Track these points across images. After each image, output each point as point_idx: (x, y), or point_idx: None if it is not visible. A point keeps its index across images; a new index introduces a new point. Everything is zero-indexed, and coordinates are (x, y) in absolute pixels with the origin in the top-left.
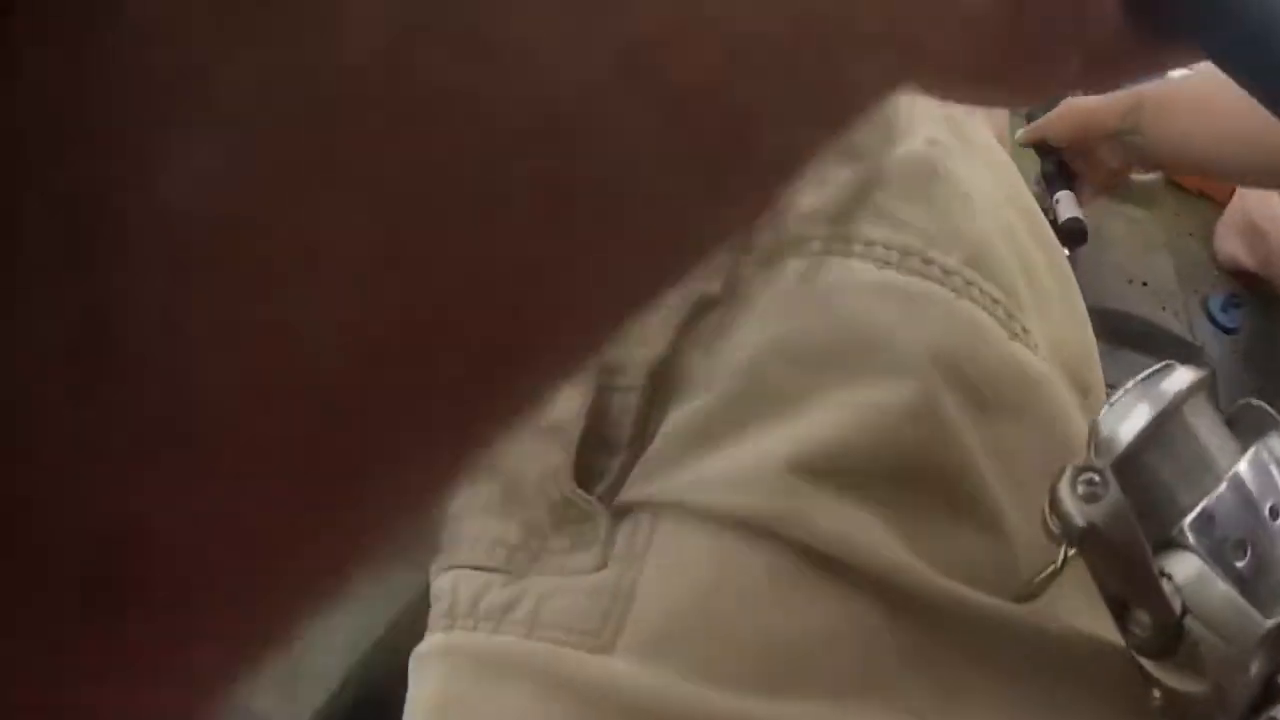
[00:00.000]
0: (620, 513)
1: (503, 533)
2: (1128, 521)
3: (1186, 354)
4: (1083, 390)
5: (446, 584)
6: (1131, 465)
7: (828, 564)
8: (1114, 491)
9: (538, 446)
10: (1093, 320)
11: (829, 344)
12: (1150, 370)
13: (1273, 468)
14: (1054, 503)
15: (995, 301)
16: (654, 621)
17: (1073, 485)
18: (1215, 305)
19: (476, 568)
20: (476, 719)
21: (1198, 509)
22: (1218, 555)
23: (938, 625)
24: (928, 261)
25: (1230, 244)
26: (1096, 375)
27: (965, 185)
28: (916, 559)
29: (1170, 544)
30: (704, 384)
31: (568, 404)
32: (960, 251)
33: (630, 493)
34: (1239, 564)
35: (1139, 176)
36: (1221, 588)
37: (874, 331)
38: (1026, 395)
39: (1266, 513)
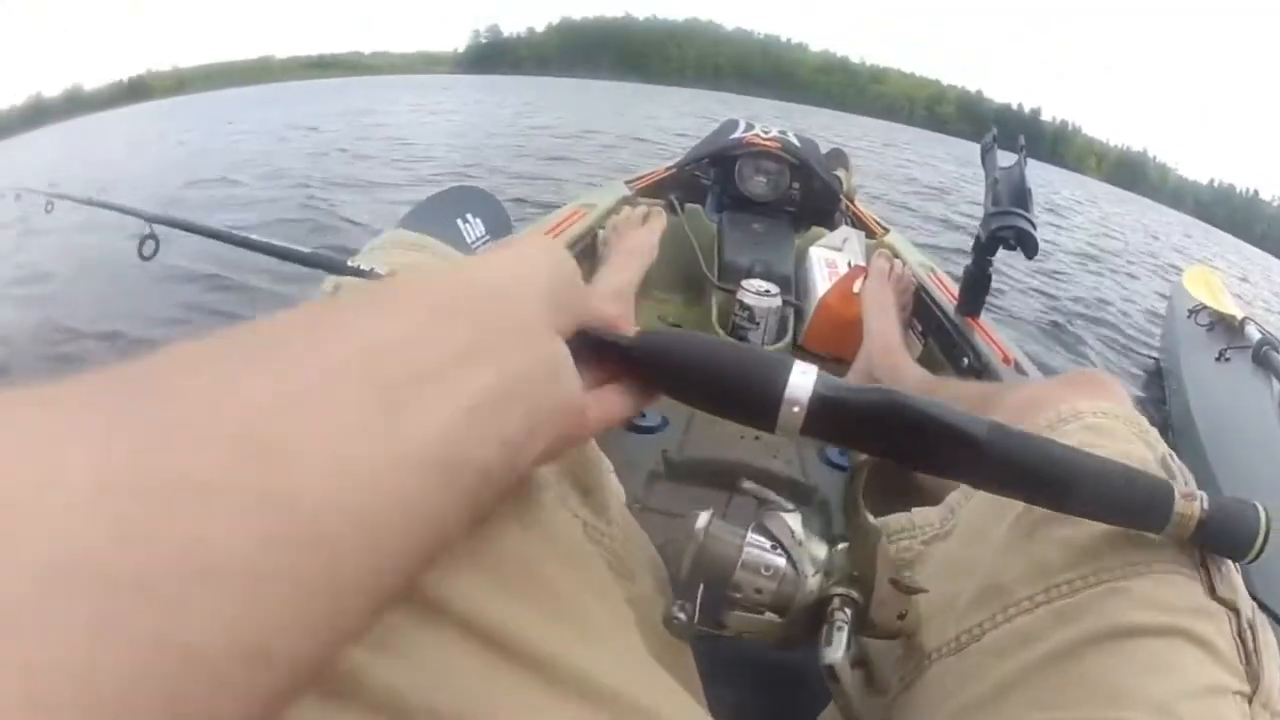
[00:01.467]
0: None
1: None
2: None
3: (801, 493)
4: (583, 490)
5: None
6: (699, 560)
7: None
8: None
9: None
10: (711, 472)
11: None
12: (688, 519)
13: (767, 529)
14: (668, 620)
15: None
16: None
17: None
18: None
19: None
20: None
21: (739, 561)
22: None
23: None
24: None
25: None
26: (594, 480)
27: None
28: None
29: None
30: None
31: None
32: None
33: None
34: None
35: (766, 348)
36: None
37: None
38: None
39: (770, 548)
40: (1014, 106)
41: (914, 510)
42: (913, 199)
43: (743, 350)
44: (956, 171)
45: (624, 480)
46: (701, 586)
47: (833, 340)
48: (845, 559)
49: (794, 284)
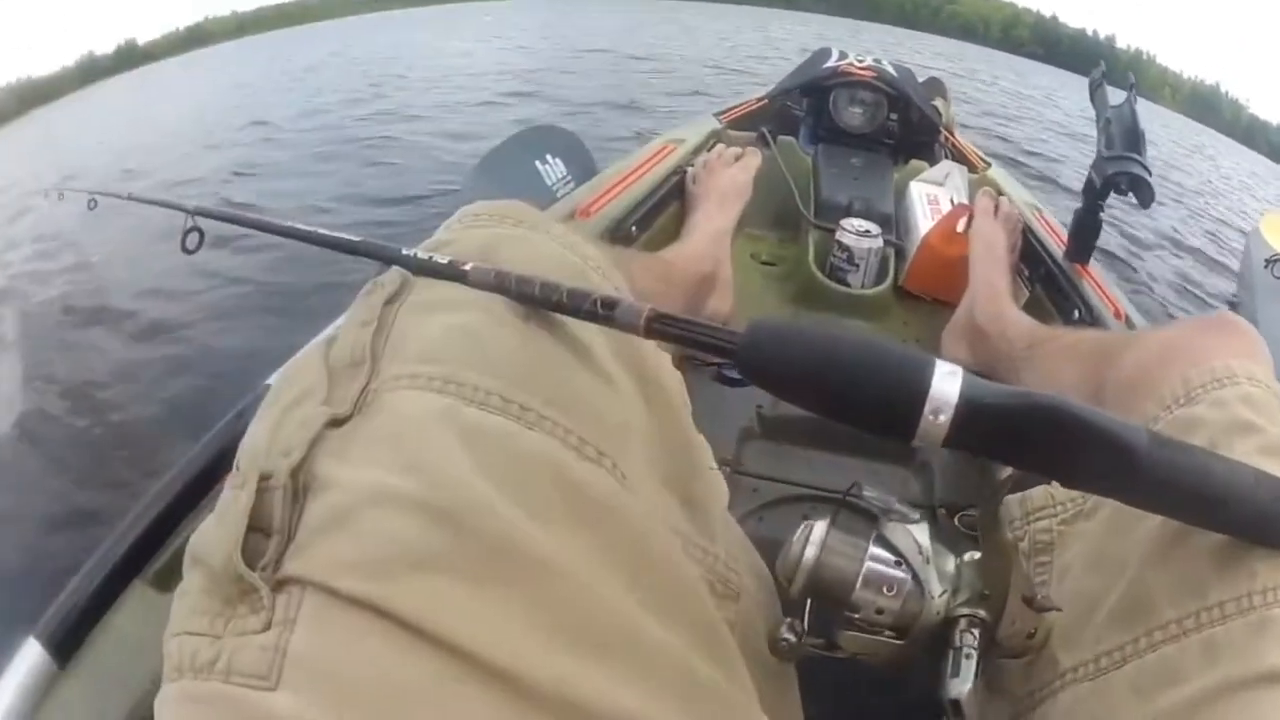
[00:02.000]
0: (280, 585)
1: (209, 604)
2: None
3: (901, 454)
4: (684, 500)
5: (174, 647)
6: (815, 578)
7: (419, 634)
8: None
9: (221, 536)
10: (809, 429)
11: (409, 454)
12: (799, 532)
13: (889, 541)
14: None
15: (568, 431)
16: (301, 671)
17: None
18: None
19: (191, 633)
20: None
21: (860, 578)
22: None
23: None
24: (507, 400)
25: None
26: (698, 488)
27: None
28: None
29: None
30: (329, 484)
31: (239, 503)
32: (543, 394)
33: (285, 569)
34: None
35: (867, 291)
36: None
37: (437, 449)
38: (586, 504)
39: (894, 564)
40: (1089, 33)
41: (1055, 484)
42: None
43: (874, 347)
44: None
45: (713, 437)
46: (810, 603)
47: (935, 282)
48: (975, 575)
49: (894, 222)
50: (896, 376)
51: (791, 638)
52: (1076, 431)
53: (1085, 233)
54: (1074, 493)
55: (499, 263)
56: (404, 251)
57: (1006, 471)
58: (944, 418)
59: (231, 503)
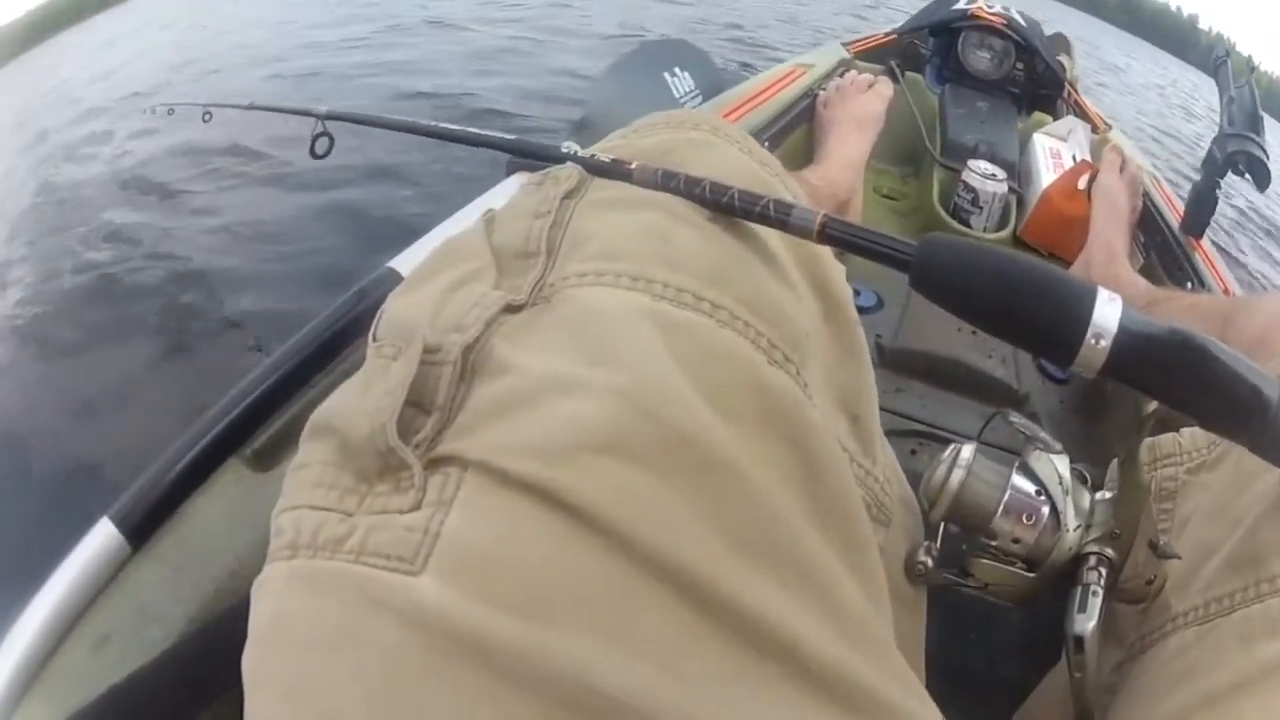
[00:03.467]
0: (434, 464)
1: (338, 479)
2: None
3: (1011, 400)
4: (852, 418)
5: (288, 522)
6: (958, 501)
7: (594, 526)
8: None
9: (369, 407)
10: (925, 366)
11: (601, 345)
12: (948, 454)
13: (1032, 470)
14: (910, 567)
15: (759, 334)
16: (453, 556)
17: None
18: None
19: (315, 508)
20: (308, 627)
21: (1002, 505)
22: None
23: (691, 599)
24: (699, 298)
25: None
26: (865, 405)
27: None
28: (690, 531)
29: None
30: (507, 368)
31: (395, 374)
32: (733, 292)
33: (442, 448)
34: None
35: (988, 234)
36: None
37: (631, 340)
38: (773, 409)
39: (1034, 494)
40: (1172, 9)
41: (1183, 431)
42: None
43: (1044, 268)
44: None
45: None
46: (946, 529)
47: (1053, 236)
48: (1107, 513)
49: (1016, 170)
50: (1064, 298)
51: (928, 561)
52: (1219, 371)
53: (1203, 206)
54: (1200, 442)
55: (681, 166)
56: (565, 148)
57: (1149, 409)
58: (1104, 343)
59: (382, 371)
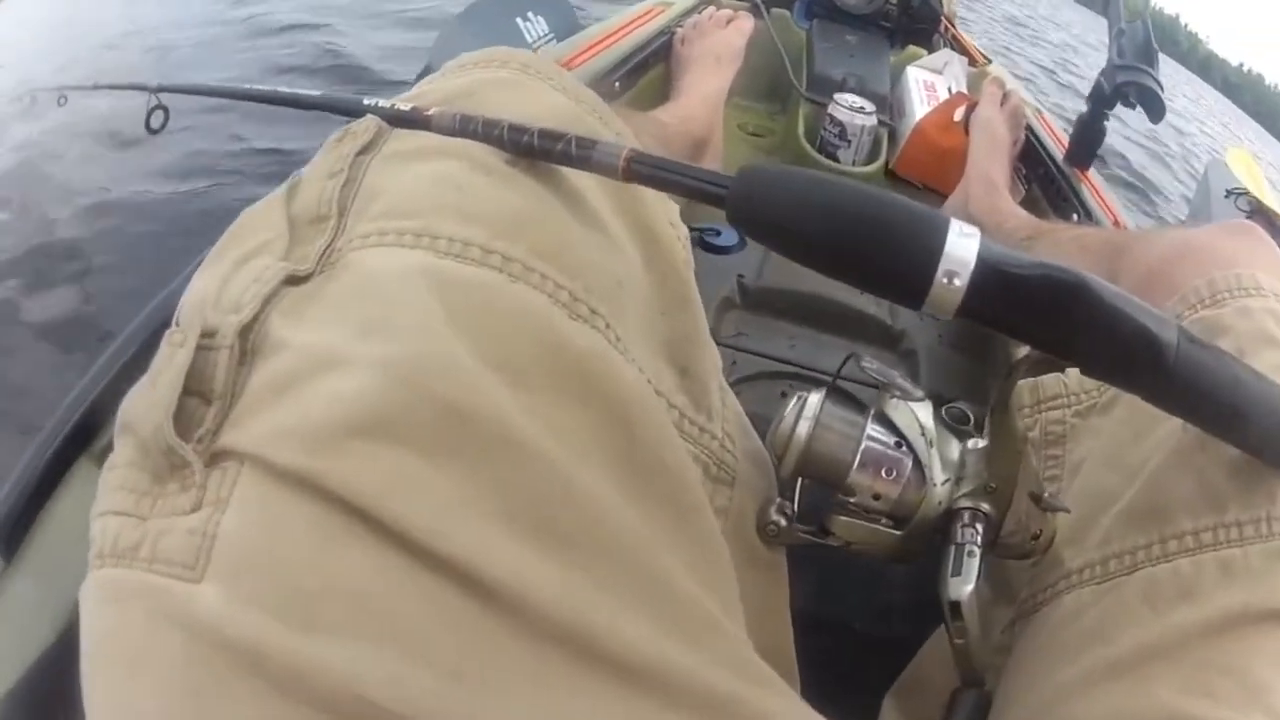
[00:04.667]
0: (216, 459)
1: (137, 480)
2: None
3: (886, 337)
4: (681, 370)
5: (97, 529)
6: (807, 455)
7: (364, 518)
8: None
9: (152, 401)
10: (792, 305)
11: (373, 314)
12: (793, 402)
13: (890, 420)
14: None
15: (559, 286)
16: (228, 559)
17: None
18: None
19: (116, 512)
20: (113, 642)
21: (857, 458)
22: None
23: (472, 588)
24: (488, 251)
25: None
26: (697, 355)
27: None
28: (467, 512)
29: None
30: (281, 347)
31: (174, 364)
32: (528, 242)
33: (222, 441)
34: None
35: (857, 168)
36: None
37: (405, 305)
38: (573, 370)
39: (894, 445)
40: None
41: (1069, 372)
42: None
43: (883, 198)
44: None
45: None
46: (801, 485)
47: (927, 169)
48: (980, 465)
49: (888, 104)
50: (908, 231)
51: (781, 521)
52: (1102, 312)
53: (1088, 137)
54: (1089, 384)
55: (482, 109)
56: (366, 101)
57: (1022, 352)
58: (959, 281)
59: (167, 362)
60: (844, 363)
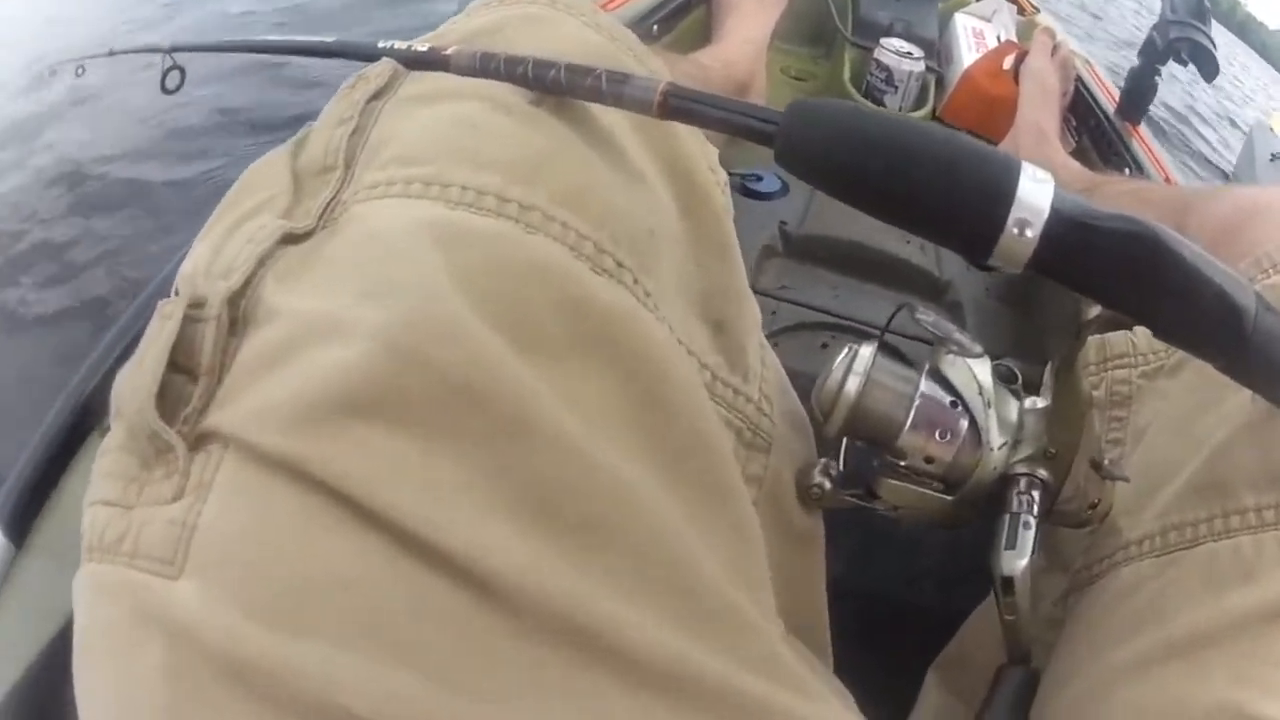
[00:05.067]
0: (201, 441)
1: (126, 466)
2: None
3: (932, 288)
4: (716, 326)
5: (87, 520)
6: (857, 412)
7: (350, 506)
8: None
9: (137, 381)
10: (836, 253)
11: (373, 275)
12: (842, 355)
13: (945, 377)
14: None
15: (582, 237)
16: (208, 553)
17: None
18: None
19: (105, 502)
20: (101, 641)
21: (910, 417)
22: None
23: (467, 586)
24: (504, 199)
25: None
26: (733, 310)
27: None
28: (458, 496)
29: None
30: (273, 314)
31: (160, 335)
32: (550, 188)
33: (205, 423)
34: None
35: (904, 114)
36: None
37: (408, 264)
38: (596, 332)
39: (949, 405)
40: None
41: (1136, 329)
42: None
43: (949, 135)
44: None
45: None
46: (848, 445)
47: (976, 116)
48: (1040, 428)
49: (936, 50)
50: (977, 174)
51: (825, 483)
52: (1182, 273)
53: (1141, 91)
54: (1158, 344)
55: (507, 47)
56: (382, 44)
57: (1089, 311)
58: (1031, 232)
59: (154, 336)
60: (895, 313)
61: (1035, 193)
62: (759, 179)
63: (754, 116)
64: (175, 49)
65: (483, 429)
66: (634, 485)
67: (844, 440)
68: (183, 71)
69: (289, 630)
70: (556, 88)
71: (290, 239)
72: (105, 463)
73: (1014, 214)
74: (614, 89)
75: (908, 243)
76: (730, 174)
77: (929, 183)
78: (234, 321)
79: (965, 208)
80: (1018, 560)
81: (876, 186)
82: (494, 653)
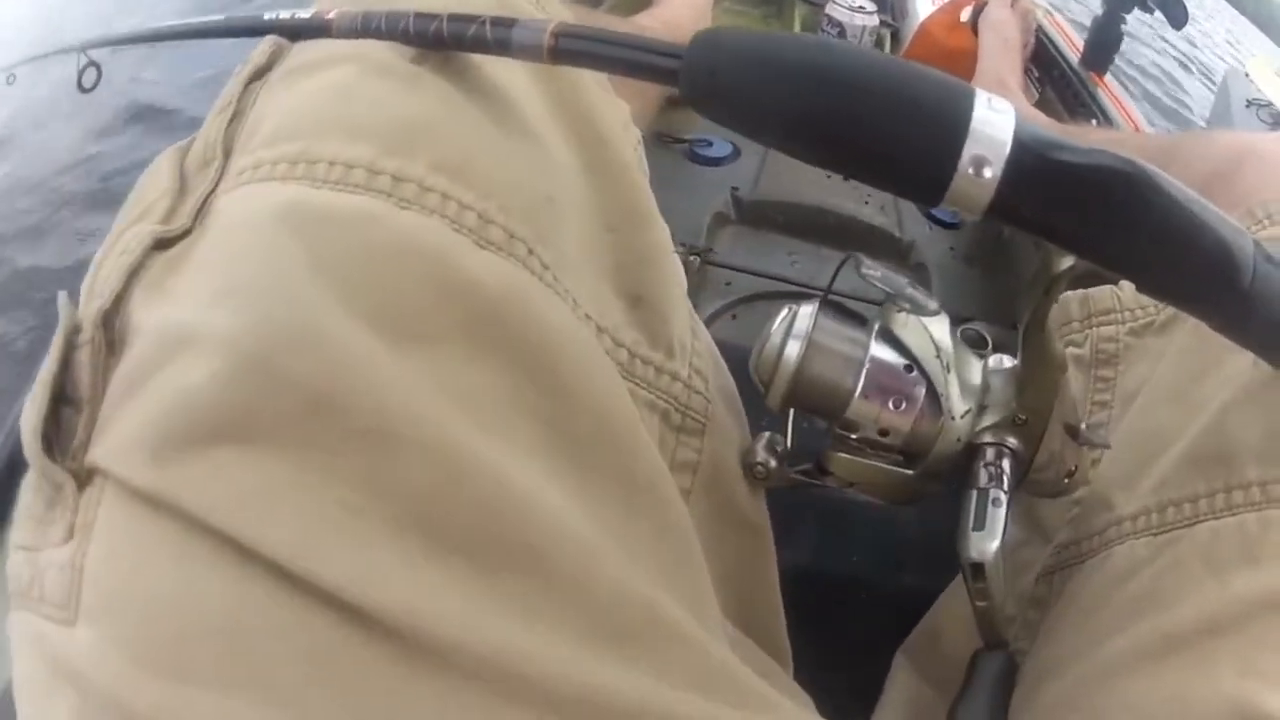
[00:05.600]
0: (89, 477)
1: (33, 508)
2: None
3: (895, 250)
4: (633, 299)
5: (8, 566)
6: (800, 380)
7: (225, 542)
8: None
9: (27, 414)
10: (792, 218)
11: (227, 274)
12: (780, 318)
13: (898, 339)
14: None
15: (465, 208)
16: (96, 597)
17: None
18: None
19: (21, 546)
20: (23, 692)
21: (859, 387)
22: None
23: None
24: (374, 172)
25: None
26: (653, 278)
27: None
28: (326, 523)
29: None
30: (139, 330)
31: (44, 368)
32: (429, 156)
33: (90, 455)
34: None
35: None
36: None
37: (261, 258)
38: (481, 314)
39: (903, 369)
40: None
41: (1123, 283)
42: None
43: (885, 61)
44: None
45: (683, 223)
46: (794, 417)
47: None
48: (1007, 391)
49: (890, 4)
50: (921, 102)
51: (770, 460)
52: (1171, 216)
53: (1105, 40)
54: (1145, 298)
55: (393, 3)
56: (267, 16)
57: (1067, 263)
58: (990, 171)
59: (44, 366)
60: (839, 267)
61: (994, 123)
62: (709, 144)
63: (655, 51)
64: (87, 45)
65: (350, 443)
66: (529, 491)
67: (790, 412)
68: (98, 68)
69: (176, 678)
70: (439, 42)
71: (162, 244)
72: (21, 504)
73: (969, 150)
74: (500, 36)
75: (866, 203)
76: (678, 140)
77: (863, 114)
78: (111, 343)
79: (909, 143)
80: (988, 543)
81: (801, 122)
82: (385, 693)
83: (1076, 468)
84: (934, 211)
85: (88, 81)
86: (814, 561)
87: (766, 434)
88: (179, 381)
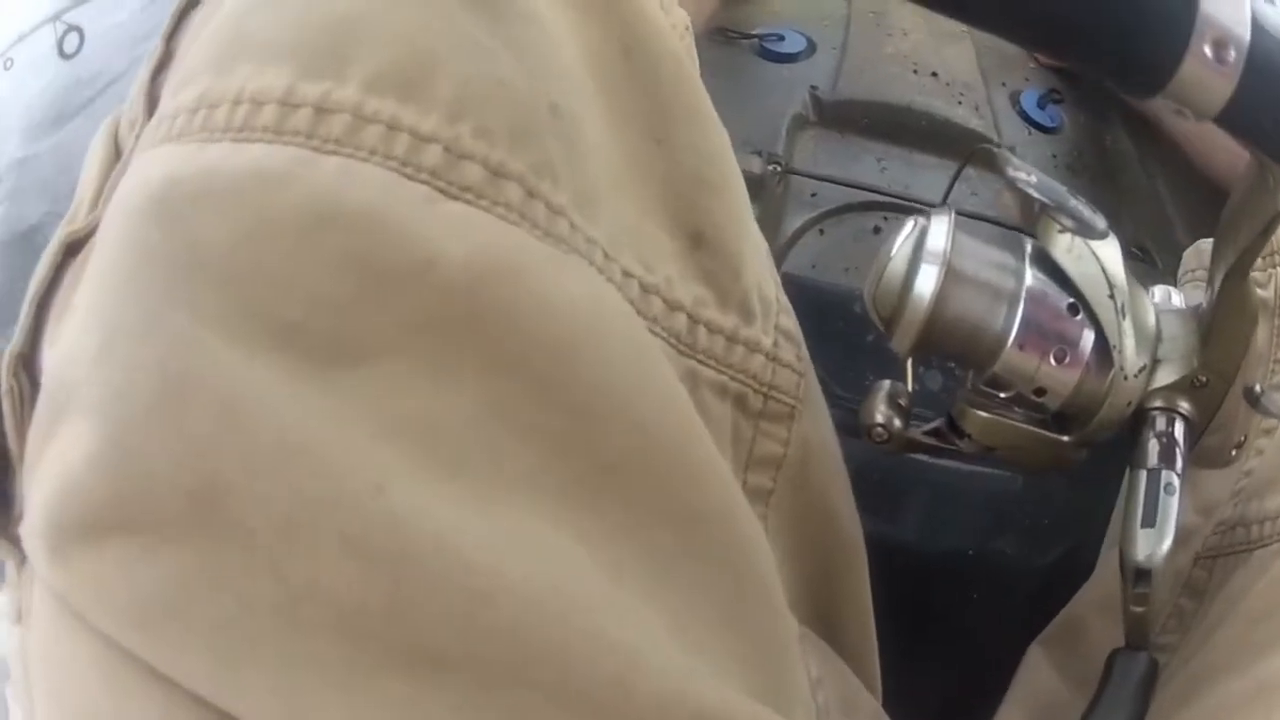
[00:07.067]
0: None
1: (9, 575)
2: None
3: (990, 155)
4: (693, 237)
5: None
6: (935, 322)
7: (129, 655)
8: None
9: None
10: (875, 119)
11: (95, 293)
12: (905, 234)
13: (1060, 268)
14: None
15: (424, 140)
16: (42, 696)
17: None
18: (1029, 101)
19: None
20: None
21: (1014, 332)
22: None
23: None
24: (289, 104)
25: None
26: (714, 214)
27: None
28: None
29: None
30: (43, 372)
31: None
32: (362, 69)
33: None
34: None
35: None
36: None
37: (124, 270)
38: (449, 303)
39: (1066, 310)
40: None
41: None
42: None
43: None
44: None
45: (756, 128)
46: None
47: None
48: (1188, 344)
49: None
50: None
51: (894, 418)
52: None
53: None
54: None
55: None
56: None
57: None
58: (1233, 54)
59: None
60: (961, 165)
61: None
62: (780, 38)
63: None
64: (60, 12)
65: (257, 535)
66: (523, 575)
67: (909, 360)
68: (81, 32)
69: None
70: None
71: (73, 249)
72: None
73: (1197, 27)
74: None
75: (959, 103)
76: (745, 36)
77: None
78: (35, 389)
79: (1124, 18)
80: (1159, 545)
81: None
82: None
83: (1246, 437)
84: (1030, 112)
85: (69, 48)
86: (916, 541)
87: (887, 383)
88: (66, 456)
